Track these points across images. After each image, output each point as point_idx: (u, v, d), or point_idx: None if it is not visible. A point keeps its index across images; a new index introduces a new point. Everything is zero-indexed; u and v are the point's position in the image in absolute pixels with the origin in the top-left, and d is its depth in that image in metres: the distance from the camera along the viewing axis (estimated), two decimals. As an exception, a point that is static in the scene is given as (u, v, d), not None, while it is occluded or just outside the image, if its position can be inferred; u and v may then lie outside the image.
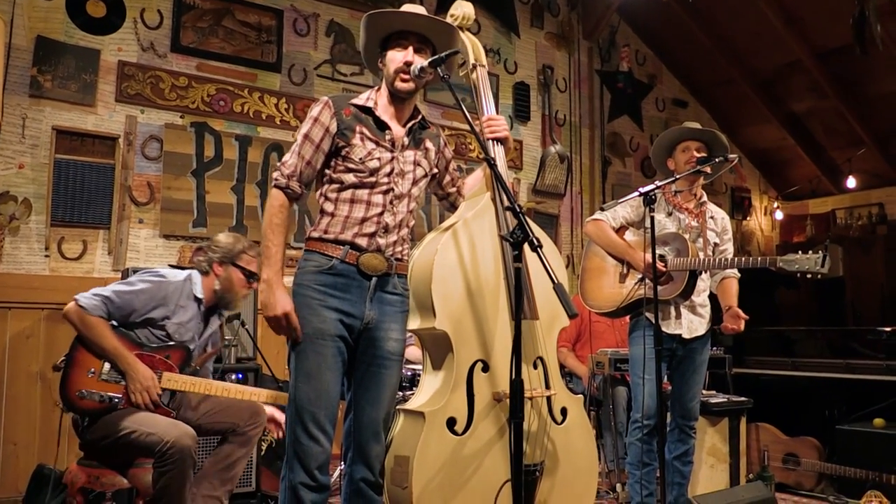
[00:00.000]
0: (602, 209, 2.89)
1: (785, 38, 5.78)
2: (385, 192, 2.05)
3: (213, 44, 4.31)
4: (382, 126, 2.08)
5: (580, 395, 2.30)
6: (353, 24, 4.79)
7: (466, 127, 4.92)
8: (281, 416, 2.71)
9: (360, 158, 2.02)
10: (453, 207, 2.35)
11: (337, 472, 3.32)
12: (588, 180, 6.06)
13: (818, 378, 4.44)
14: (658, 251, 2.70)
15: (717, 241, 3.01)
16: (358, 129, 2.04)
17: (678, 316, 2.89)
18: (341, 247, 2.00)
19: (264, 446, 3.30)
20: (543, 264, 1.70)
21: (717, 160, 2.81)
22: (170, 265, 3.79)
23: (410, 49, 2.06)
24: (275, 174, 2.03)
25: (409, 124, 2.13)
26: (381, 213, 2.04)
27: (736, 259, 2.75)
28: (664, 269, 2.77)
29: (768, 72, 6.33)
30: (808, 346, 4.81)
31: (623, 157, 6.36)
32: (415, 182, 2.13)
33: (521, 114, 5.65)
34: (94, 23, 3.94)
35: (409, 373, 3.28)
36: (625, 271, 2.99)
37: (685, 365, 2.92)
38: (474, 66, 2.38)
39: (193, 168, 4.17)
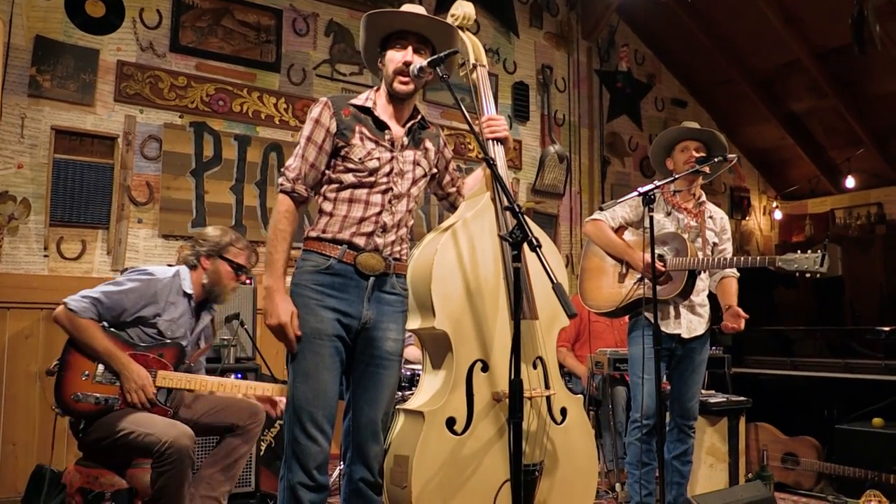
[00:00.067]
0: (601, 209, 2.89)
1: (784, 38, 5.78)
2: (384, 192, 2.05)
3: (212, 43, 4.31)
4: (382, 126, 2.08)
5: (579, 395, 2.30)
6: (353, 24, 4.79)
7: (466, 127, 4.92)
8: (278, 398, 2.71)
9: (360, 158, 2.02)
10: (453, 207, 2.34)
11: (336, 472, 3.32)
12: (587, 180, 6.07)
13: (817, 378, 4.45)
14: (657, 251, 2.70)
15: (716, 240, 3.01)
16: (357, 129, 2.04)
17: (677, 316, 2.89)
18: (339, 246, 2.00)
19: (263, 446, 3.30)
20: (543, 264, 1.70)
21: (715, 160, 2.81)
22: (168, 265, 3.78)
23: (410, 49, 2.06)
24: (280, 179, 2.02)
25: (409, 124, 2.13)
26: (380, 213, 2.04)
27: (735, 259, 2.75)
28: (663, 268, 2.77)
29: (767, 71, 6.34)
30: (807, 345, 4.81)
31: (622, 157, 6.36)
32: (414, 182, 2.13)
33: (520, 114, 5.65)
34: (93, 22, 3.93)
35: (408, 372, 3.29)
36: (624, 271, 2.99)
37: (684, 364, 2.92)
38: (474, 66, 2.38)
39: (192, 168, 4.17)
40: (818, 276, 2.58)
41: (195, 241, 2.74)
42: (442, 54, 2.00)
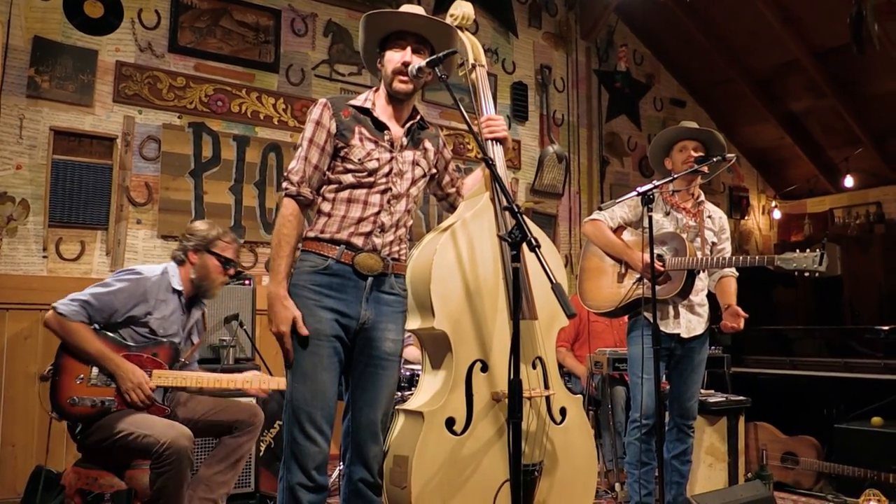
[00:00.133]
0: (600, 209, 2.89)
1: (782, 38, 5.78)
2: (383, 192, 2.05)
3: (210, 44, 4.31)
4: (381, 126, 2.07)
5: (579, 395, 2.30)
6: (351, 24, 4.79)
7: (465, 127, 4.91)
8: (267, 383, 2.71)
9: (359, 159, 2.02)
10: (452, 208, 2.34)
11: (336, 473, 3.32)
12: (586, 180, 6.07)
13: (816, 377, 4.45)
14: (656, 251, 2.70)
15: (715, 240, 3.01)
16: (357, 129, 2.04)
17: (676, 315, 2.89)
18: (337, 246, 2.00)
19: (263, 447, 3.29)
20: (542, 264, 1.70)
21: (714, 160, 2.81)
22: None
23: (408, 49, 2.06)
24: (284, 184, 2.01)
25: (408, 124, 2.13)
26: (378, 213, 2.04)
27: (734, 258, 2.75)
28: (662, 268, 2.77)
29: (766, 71, 6.34)
30: (806, 345, 4.82)
31: (621, 157, 6.36)
32: (413, 182, 2.13)
33: (519, 114, 5.65)
34: (91, 23, 3.93)
35: (407, 373, 3.29)
36: (623, 271, 2.99)
37: (683, 364, 2.92)
38: (473, 66, 2.38)
39: (191, 168, 4.16)
40: (817, 275, 2.58)
41: (183, 237, 2.74)
42: (441, 54, 2.00)
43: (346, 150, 2.02)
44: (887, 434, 3.74)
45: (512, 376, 1.75)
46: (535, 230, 2.05)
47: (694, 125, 3.01)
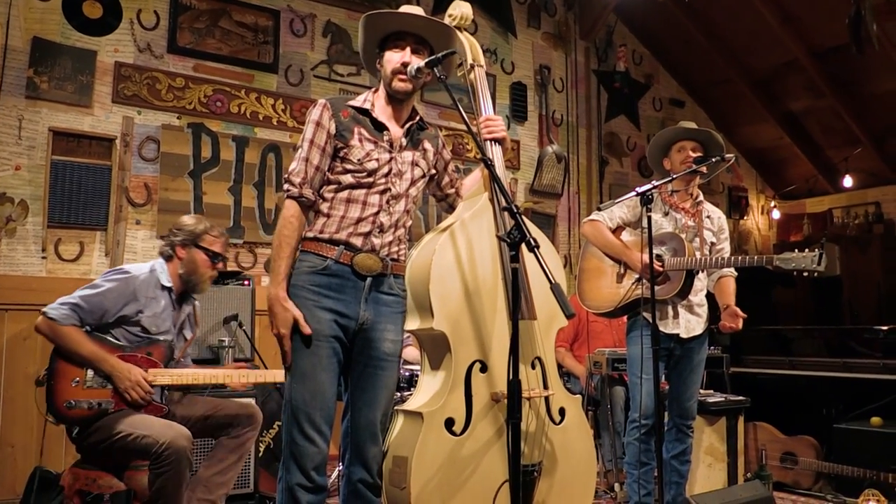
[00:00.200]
0: (599, 209, 2.89)
1: (781, 38, 5.78)
2: (382, 193, 2.05)
3: (209, 44, 4.30)
4: (380, 127, 2.08)
5: (578, 395, 2.31)
6: (350, 25, 4.79)
7: (464, 127, 4.91)
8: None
9: (359, 160, 2.02)
10: (451, 209, 2.34)
11: (335, 473, 3.33)
12: (585, 180, 6.07)
13: (816, 377, 4.45)
14: (655, 251, 2.70)
15: (714, 240, 3.01)
16: (356, 130, 2.04)
17: (675, 315, 2.89)
18: (336, 247, 2.00)
19: (262, 447, 3.29)
20: (541, 264, 1.70)
21: (713, 160, 2.81)
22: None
23: (408, 50, 2.06)
24: (285, 185, 2.00)
25: (408, 125, 2.13)
26: (377, 213, 2.04)
27: (733, 258, 2.75)
28: (661, 268, 2.77)
29: (765, 71, 6.34)
30: (805, 345, 4.82)
31: (620, 157, 6.36)
32: (412, 182, 2.13)
33: (518, 114, 5.65)
34: (90, 24, 3.93)
35: (407, 373, 3.29)
36: (622, 271, 2.99)
37: (683, 364, 2.92)
38: (472, 67, 2.38)
39: (190, 169, 4.16)
40: (816, 275, 2.58)
41: (170, 232, 2.73)
42: (439, 55, 2.00)
43: (345, 150, 2.02)
44: (886, 434, 3.74)
45: (511, 377, 1.75)
46: (534, 230, 2.06)
47: (692, 125, 3.01)
